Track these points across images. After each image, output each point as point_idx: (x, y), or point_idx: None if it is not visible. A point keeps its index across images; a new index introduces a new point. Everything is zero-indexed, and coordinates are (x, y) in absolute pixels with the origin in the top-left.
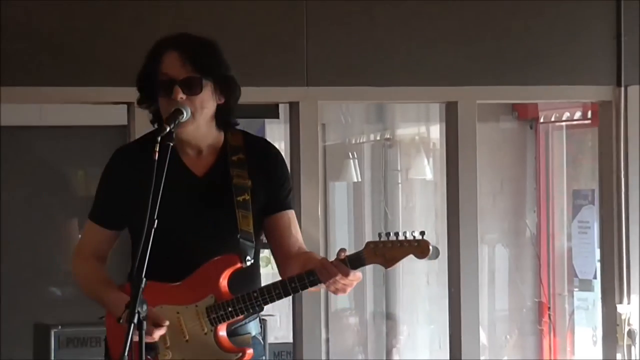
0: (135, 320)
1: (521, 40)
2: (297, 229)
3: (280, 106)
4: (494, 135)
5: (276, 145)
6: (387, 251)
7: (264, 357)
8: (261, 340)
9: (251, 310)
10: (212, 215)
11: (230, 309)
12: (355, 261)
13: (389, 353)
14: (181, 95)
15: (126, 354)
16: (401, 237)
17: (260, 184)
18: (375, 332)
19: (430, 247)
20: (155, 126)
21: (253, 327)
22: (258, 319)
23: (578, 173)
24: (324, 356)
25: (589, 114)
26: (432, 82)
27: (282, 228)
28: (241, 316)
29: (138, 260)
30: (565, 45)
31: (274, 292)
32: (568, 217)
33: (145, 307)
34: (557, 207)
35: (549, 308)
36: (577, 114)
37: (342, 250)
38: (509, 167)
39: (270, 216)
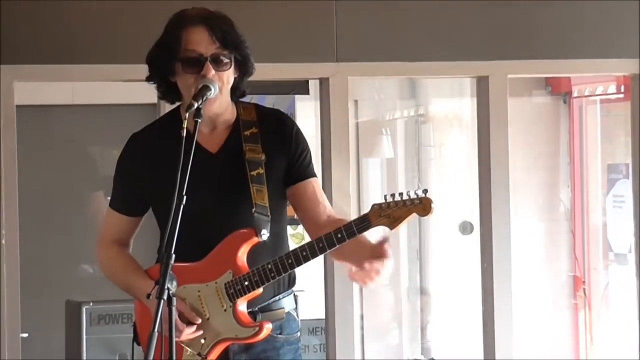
0: (165, 297)
1: (553, 13)
2: (324, 197)
3: (311, 82)
4: (528, 110)
5: (307, 121)
6: (391, 212)
7: (298, 333)
8: (296, 317)
9: (265, 282)
10: (227, 192)
11: (246, 282)
12: (360, 224)
13: (423, 329)
14: (212, 72)
15: (155, 330)
16: (405, 197)
17: (275, 157)
18: (410, 308)
19: (433, 205)
20: (164, 101)
21: (287, 303)
22: (292, 294)
23: (613, 147)
24: (359, 332)
25: (623, 88)
26: (462, 56)
27: (306, 197)
28: (259, 290)
29: (167, 236)
30: (597, 17)
31: (287, 262)
32: (602, 191)
33: (175, 283)
34: (591, 181)
35: (584, 282)
36: (611, 88)
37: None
38: (542, 142)
39: (293, 187)
